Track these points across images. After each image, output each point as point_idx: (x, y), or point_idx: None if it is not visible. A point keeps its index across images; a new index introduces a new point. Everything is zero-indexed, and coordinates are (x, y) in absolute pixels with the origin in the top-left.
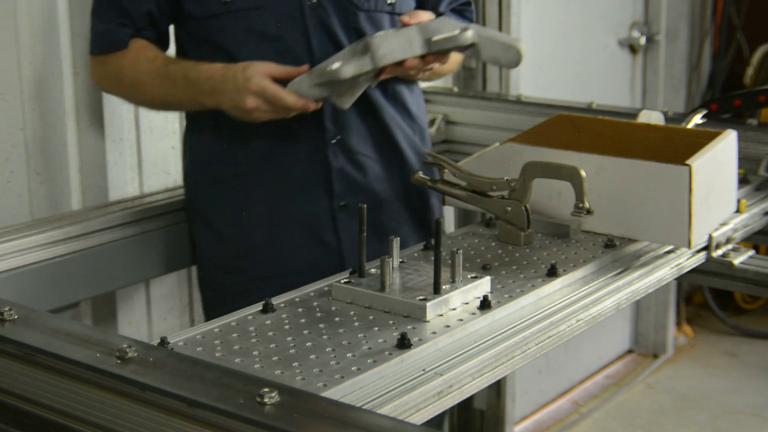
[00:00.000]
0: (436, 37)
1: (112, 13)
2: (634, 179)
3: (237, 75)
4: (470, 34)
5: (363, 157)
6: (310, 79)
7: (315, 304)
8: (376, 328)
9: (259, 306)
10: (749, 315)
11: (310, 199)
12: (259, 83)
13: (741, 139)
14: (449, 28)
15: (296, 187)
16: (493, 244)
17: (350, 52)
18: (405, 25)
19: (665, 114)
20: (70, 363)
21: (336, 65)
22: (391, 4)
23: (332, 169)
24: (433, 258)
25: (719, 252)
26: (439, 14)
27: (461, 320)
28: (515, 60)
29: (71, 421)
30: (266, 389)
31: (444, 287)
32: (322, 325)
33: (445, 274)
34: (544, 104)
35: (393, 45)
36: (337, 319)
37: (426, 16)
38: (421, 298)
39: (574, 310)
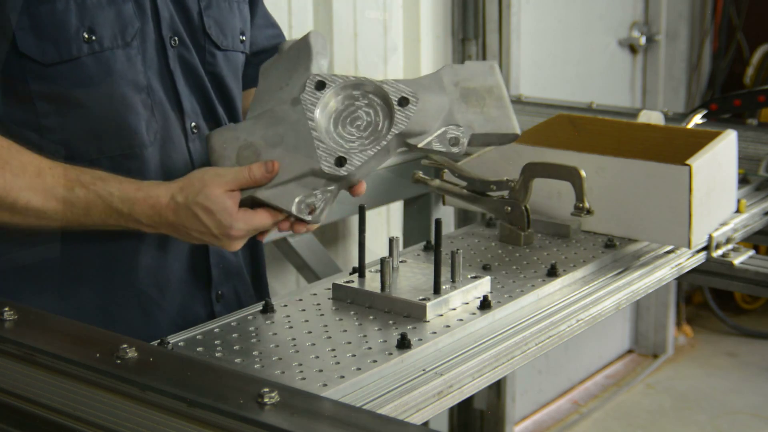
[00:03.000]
0: (421, 144)
1: None
2: (634, 179)
3: (201, 216)
4: (463, 145)
5: None
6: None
7: (315, 303)
8: (376, 328)
9: (259, 306)
10: (749, 315)
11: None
12: (245, 226)
13: (741, 139)
14: (431, 121)
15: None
16: (493, 244)
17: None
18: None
19: (665, 114)
20: (70, 363)
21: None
22: (243, 42)
23: (210, 254)
24: (433, 258)
25: (719, 252)
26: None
27: (461, 320)
28: (510, 141)
29: (71, 421)
30: (266, 389)
31: (444, 287)
32: (322, 325)
33: (445, 274)
34: (544, 104)
35: (370, 165)
36: (337, 318)
37: None
38: (421, 298)
39: (574, 310)
